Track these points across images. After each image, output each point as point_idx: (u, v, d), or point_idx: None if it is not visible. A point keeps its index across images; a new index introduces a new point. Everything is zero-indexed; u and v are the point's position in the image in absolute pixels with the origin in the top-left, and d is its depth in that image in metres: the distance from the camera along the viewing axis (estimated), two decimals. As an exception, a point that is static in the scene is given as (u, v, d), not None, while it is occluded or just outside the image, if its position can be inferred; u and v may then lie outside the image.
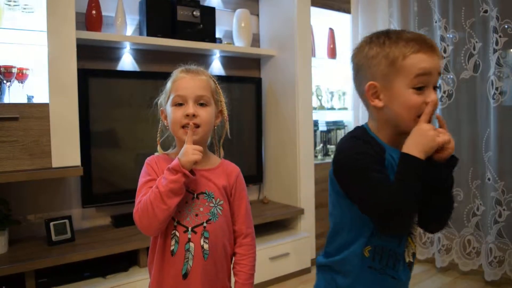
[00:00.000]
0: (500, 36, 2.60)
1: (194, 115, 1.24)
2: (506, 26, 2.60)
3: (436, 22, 2.95)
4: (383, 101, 1.04)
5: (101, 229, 2.53)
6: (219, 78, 3.09)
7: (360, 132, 1.11)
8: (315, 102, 3.42)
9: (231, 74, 3.17)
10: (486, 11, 2.68)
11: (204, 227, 1.26)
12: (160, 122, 1.39)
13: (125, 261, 2.34)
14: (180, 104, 1.26)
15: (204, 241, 1.25)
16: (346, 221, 1.09)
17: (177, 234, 1.24)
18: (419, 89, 1.00)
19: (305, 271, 2.99)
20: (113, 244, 2.27)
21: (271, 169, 3.28)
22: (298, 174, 3.05)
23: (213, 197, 1.29)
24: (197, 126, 1.25)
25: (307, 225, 3.08)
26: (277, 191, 3.26)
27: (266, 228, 2.99)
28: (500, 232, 2.67)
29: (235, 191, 1.37)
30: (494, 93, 2.64)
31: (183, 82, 1.28)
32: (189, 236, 1.24)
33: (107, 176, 2.49)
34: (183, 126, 1.25)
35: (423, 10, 3.09)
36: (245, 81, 3.15)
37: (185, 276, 1.23)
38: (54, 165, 2.09)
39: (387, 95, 1.03)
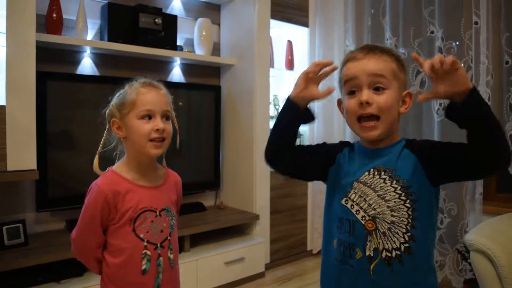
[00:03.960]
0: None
1: (163, 130, 1.29)
2: (450, 47, 2.79)
3: (387, 39, 3.12)
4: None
5: (55, 233, 2.50)
6: (179, 85, 3.16)
7: None
8: (272, 111, 3.51)
9: (191, 81, 3.21)
10: (432, 32, 2.87)
11: (169, 240, 1.34)
12: (105, 133, 1.38)
13: (80, 266, 2.32)
14: (149, 118, 1.29)
15: (170, 253, 1.33)
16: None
17: (148, 253, 1.28)
18: (352, 93, 1.13)
19: (260, 275, 3.07)
20: (67, 249, 2.24)
21: (228, 175, 3.35)
22: (254, 181, 3.13)
23: (170, 211, 1.36)
24: (163, 139, 1.30)
25: (262, 230, 3.16)
26: (234, 197, 3.32)
27: (222, 233, 3.05)
28: (442, 238, 2.85)
29: (179, 199, 1.49)
30: (438, 109, 2.82)
31: (150, 96, 1.31)
32: (159, 251, 1.30)
33: (63, 180, 2.47)
34: (151, 140, 1.28)
35: (376, 27, 3.26)
36: (205, 89, 3.20)
37: None
38: (9, 168, 2.06)
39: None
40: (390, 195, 1.10)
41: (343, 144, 1.28)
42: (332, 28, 3.52)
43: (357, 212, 1.12)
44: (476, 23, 2.60)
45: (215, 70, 3.40)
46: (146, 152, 1.29)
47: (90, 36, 2.66)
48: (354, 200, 1.14)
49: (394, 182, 1.10)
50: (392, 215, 1.08)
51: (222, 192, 3.42)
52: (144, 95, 1.30)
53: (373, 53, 1.12)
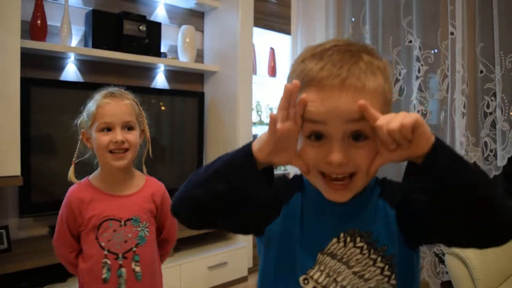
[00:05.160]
0: (422, 65, 2.88)
1: (122, 142, 1.29)
2: (427, 56, 2.88)
3: (367, 47, 3.20)
4: None
5: (38, 239, 2.49)
6: (163, 91, 3.18)
7: None
8: (255, 117, 3.57)
9: (175, 87, 3.24)
10: (410, 41, 2.96)
11: (134, 251, 1.31)
12: (79, 143, 1.41)
13: (63, 271, 2.31)
14: (108, 130, 1.29)
15: (135, 265, 1.31)
16: None
17: (108, 262, 1.29)
18: (315, 138, 0.74)
19: (243, 279, 3.10)
20: (51, 254, 2.24)
21: (211, 181, 3.36)
22: (238, 186, 3.16)
23: (139, 222, 1.34)
24: (126, 150, 1.30)
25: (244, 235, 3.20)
26: (217, 202, 3.34)
27: (205, 238, 3.07)
28: (420, 242, 2.92)
29: (161, 211, 1.43)
30: (419, 111, 2.91)
31: (108, 108, 1.30)
32: (120, 262, 1.29)
33: (46, 186, 2.47)
34: (111, 151, 1.29)
35: (356, 35, 3.34)
36: (188, 95, 3.23)
37: None
38: (-7, 174, 2.07)
39: None
40: (370, 270, 0.76)
41: (292, 185, 0.86)
42: (314, 36, 3.59)
43: None
44: (452, 33, 2.70)
45: (199, 77, 3.43)
46: (108, 163, 1.30)
47: (74, 42, 2.68)
48: (319, 281, 0.78)
49: (373, 251, 0.77)
50: None
51: (205, 197, 3.43)
52: (103, 107, 1.30)
53: (353, 80, 0.69)
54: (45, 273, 2.26)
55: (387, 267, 0.76)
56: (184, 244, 2.92)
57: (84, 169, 1.44)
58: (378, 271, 0.76)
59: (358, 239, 0.77)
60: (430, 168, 0.66)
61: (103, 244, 1.29)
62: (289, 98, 0.69)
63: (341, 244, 0.78)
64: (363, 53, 0.73)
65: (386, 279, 0.76)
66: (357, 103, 0.67)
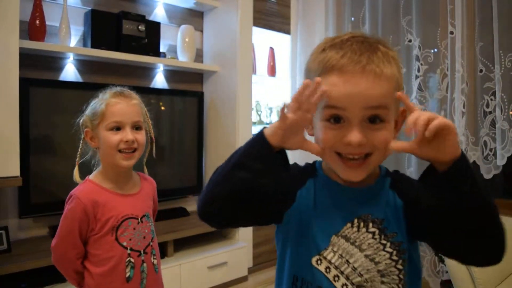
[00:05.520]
0: (421, 64, 2.88)
1: (132, 141, 1.30)
2: (427, 55, 2.88)
3: (367, 47, 3.20)
4: None
5: (38, 239, 2.49)
6: (162, 91, 3.18)
7: None
8: (254, 117, 3.56)
9: (174, 87, 3.24)
10: (410, 41, 2.96)
11: (151, 246, 1.36)
12: (82, 142, 1.40)
13: (63, 272, 2.33)
14: (117, 129, 1.30)
15: (153, 258, 1.35)
16: None
17: (132, 260, 1.29)
18: (334, 121, 0.79)
19: (243, 279, 3.10)
20: (51, 255, 2.25)
21: (211, 180, 3.37)
22: (237, 186, 3.16)
23: (149, 217, 1.39)
24: (134, 150, 1.32)
25: (244, 235, 3.20)
26: (216, 202, 3.34)
27: (204, 238, 3.07)
28: (420, 242, 2.92)
29: (155, 204, 1.51)
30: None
31: (119, 108, 1.31)
32: (143, 258, 1.32)
33: (46, 186, 2.47)
34: (120, 151, 1.30)
35: (356, 35, 3.34)
36: (188, 95, 3.23)
37: None
38: (-8, 175, 2.07)
39: (312, 123, 0.86)
40: (380, 255, 0.82)
41: (305, 172, 0.91)
42: (313, 36, 3.58)
43: (336, 279, 0.82)
44: (451, 32, 2.69)
45: (198, 77, 3.43)
46: (116, 163, 1.31)
47: (73, 42, 2.67)
48: (332, 261, 0.83)
49: (383, 236, 0.82)
50: (383, 282, 0.82)
51: (205, 197, 3.44)
52: (113, 106, 1.30)
53: (373, 66, 0.75)
54: (45, 273, 2.25)
55: (395, 252, 0.82)
56: (184, 244, 2.91)
57: (86, 169, 1.44)
58: (387, 255, 0.82)
59: (370, 225, 0.83)
60: (452, 177, 0.71)
61: (124, 243, 1.29)
62: (304, 92, 0.74)
63: (355, 228, 0.83)
64: (379, 44, 0.79)
65: (393, 263, 0.82)
66: (380, 89, 0.75)
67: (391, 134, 0.80)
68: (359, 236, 0.83)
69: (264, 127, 0.80)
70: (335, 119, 0.78)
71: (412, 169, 2.95)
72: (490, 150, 2.62)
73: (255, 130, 3.49)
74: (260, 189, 0.78)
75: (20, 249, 2.31)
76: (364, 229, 0.83)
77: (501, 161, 2.52)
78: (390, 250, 0.82)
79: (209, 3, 3.21)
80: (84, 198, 1.27)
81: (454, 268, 1.95)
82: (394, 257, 0.82)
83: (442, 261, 2.67)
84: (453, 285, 2.02)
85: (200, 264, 2.82)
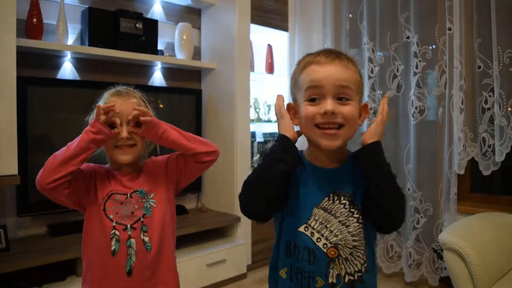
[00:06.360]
0: (419, 61, 2.87)
1: (127, 138, 1.34)
2: (425, 52, 2.88)
3: (365, 44, 3.20)
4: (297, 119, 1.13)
5: (37, 238, 2.49)
6: (160, 89, 3.17)
7: None
8: (252, 114, 3.56)
9: (172, 85, 3.24)
10: (408, 37, 2.95)
11: (142, 222, 1.34)
12: None
13: (62, 270, 2.33)
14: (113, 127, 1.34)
15: (144, 235, 1.33)
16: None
17: (117, 233, 1.30)
18: (312, 100, 1.06)
19: (242, 276, 3.10)
20: (49, 253, 2.25)
21: (210, 178, 3.37)
22: (235, 184, 3.16)
23: (144, 193, 1.38)
24: (132, 145, 1.36)
25: (243, 232, 3.20)
26: (215, 199, 3.35)
27: (203, 236, 3.07)
28: (418, 238, 2.93)
29: (171, 165, 1.53)
30: (414, 112, 2.91)
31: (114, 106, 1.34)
32: (129, 233, 1.31)
33: (44, 185, 2.46)
34: (117, 146, 1.35)
35: (354, 32, 3.33)
36: (186, 93, 3.23)
37: (129, 273, 1.30)
38: (-10, 173, 2.06)
39: (298, 112, 1.12)
40: (350, 219, 1.09)
41: None
42: (311, 33, 3.58)
43: (318, 240, 1.08)
44: (449, 29, 2.69)
45: (196, 74, 3.42)
46: (114, 158, 1.36)
47: (70, 40, 2.67)
48: (315, 227, 1.09)
49: (352, 206, 1.09)
50: (354, 240, 1.08)
51: (203, 195, 3.44)
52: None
53: (339, 60, 1.06)
54: (44, 272, 2.26)
55: (360, 217, 1.10)
56: (182, 242, 2.91)
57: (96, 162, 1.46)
58: (355, 219, 1.10)
59: (342, 198, 1.10)
60: (368, 153, 1.08)
61: (111, 216, 1.31)
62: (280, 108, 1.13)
63: (331, 201, 1.10)
64: (342, 55, 1.09)
65: (360, 225, 1.10)
66: (346, 73, 1.06)
67: (356, 110, 1.07)
68: (334, 206, 1.10)
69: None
70: (313, 99, 1.06)
71: (411, 166, 2.95)
72: (489, 146, 2.62)
73: (253, 127, 3.49)
74: (289, 175, 1.08)
75: (18, 247, 2.31)
76: (337, 201, 1.10)
77: (499, 158, 2.52)
78: (356, 216, 1.09)
79: (206, 0, 3.21)
80: (95, 166, 1.40)
81: (453, 264, 1.95)
82: (360, 221, 1.09)
83: (440, 257, 2.68)
84: (451, 282, 2.02)
85: (199, 261, 2.82)
